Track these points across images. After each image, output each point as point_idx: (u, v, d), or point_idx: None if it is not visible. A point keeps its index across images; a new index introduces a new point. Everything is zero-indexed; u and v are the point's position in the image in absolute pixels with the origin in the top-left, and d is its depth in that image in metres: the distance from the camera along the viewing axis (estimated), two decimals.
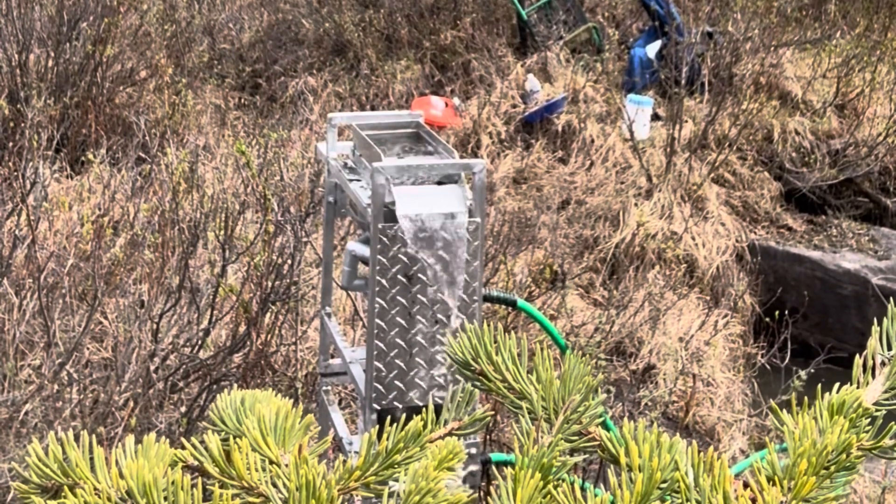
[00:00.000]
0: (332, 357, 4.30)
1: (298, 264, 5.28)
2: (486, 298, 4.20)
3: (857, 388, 1.23)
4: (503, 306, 4.87)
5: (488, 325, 1.38)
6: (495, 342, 1.35)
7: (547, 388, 1.29)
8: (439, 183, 3.45)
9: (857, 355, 1.26)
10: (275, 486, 1.21)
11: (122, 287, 5.44)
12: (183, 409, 4.63)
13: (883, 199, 9.41)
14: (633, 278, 7.65)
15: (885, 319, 1.27)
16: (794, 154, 9.33)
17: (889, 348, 1.26)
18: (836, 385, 1.24)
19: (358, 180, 3.76)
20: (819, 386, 1.29)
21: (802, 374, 4.84)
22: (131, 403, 4.47)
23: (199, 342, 4.78)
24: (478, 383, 1.35)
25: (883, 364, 1.25)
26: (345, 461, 1.24)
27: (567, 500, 1.16)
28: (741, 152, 9.13)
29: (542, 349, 1.33)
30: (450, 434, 1.31)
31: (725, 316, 7.32)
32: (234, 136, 8.65)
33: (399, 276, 3.41)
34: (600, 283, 7.72)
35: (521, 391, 1.30)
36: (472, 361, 1.34)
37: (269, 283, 5.05)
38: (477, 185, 3.45)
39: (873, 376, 1.24)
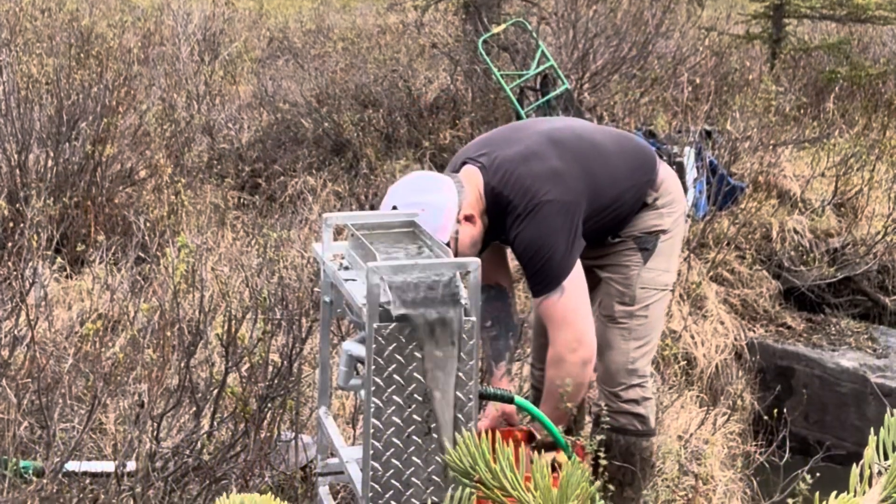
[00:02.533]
0: (331, 456, 4.29)
1: (297, 363, 5.27)
2: (483, 396, 4.19)
3: (854, 496, 1.23)
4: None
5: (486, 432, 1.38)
6: (493, 450, 1.35)
7: (545, 496, 1.29)
8: (435, 282, 3.45)
9: (855, 463, 1.26)
10: None
11: (121, 386, 5.43)
12: None
13: (881, 297, 9.41)
14: None
15: (881, 429, 1.27)
16: (792, 252, 9.36)
17: (885, 458, 1.26)
18: (834, 494, 1.24)
19: (354, 280, 3.76)
20: (817, 494, 1.28)
21: (808, 477, 4.80)
22: (131, 503, 4.45)
23: (202, 445, 4.76)
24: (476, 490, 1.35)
25: (879, 473, 1.24)
26: None
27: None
28: (740, 251, 9.16)
29: (539, 455, 1.33)
30: None
31: (725, 414, 7.29)
32: (233, 235, 8.67)
33: (395, 376, 3.41)
34: None
35: (520, 499, 1.30)
36: (471, 469, 1.34)
37: (268, 382, 5.04)
38: (472, 283, 3.46)
39: (870, 485, 1.24)
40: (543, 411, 4.34)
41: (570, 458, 4.35)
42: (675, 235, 4.93)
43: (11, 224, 7.19)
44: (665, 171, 4.90)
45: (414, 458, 3.47)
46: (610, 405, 4.87)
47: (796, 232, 9.49)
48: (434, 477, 3.50)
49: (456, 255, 4.22)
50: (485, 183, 4.46)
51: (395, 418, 3.44)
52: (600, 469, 4.51)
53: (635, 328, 4.87)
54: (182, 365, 5.14)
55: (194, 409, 5.03)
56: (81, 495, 4.50)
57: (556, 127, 4.94)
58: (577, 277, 4.44)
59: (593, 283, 4.97)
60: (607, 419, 4.73)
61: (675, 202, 4.91)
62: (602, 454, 4.53)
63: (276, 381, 5.04)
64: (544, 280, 4.43)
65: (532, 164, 4.49)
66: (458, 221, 4.30)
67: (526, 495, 1.31)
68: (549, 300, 4.43)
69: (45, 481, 4.38)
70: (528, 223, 4.40)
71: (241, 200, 10.08)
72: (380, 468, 3.46)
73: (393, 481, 3.48)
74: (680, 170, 8.93)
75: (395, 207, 4.15)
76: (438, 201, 4.25)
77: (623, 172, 4.73)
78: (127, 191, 8.60)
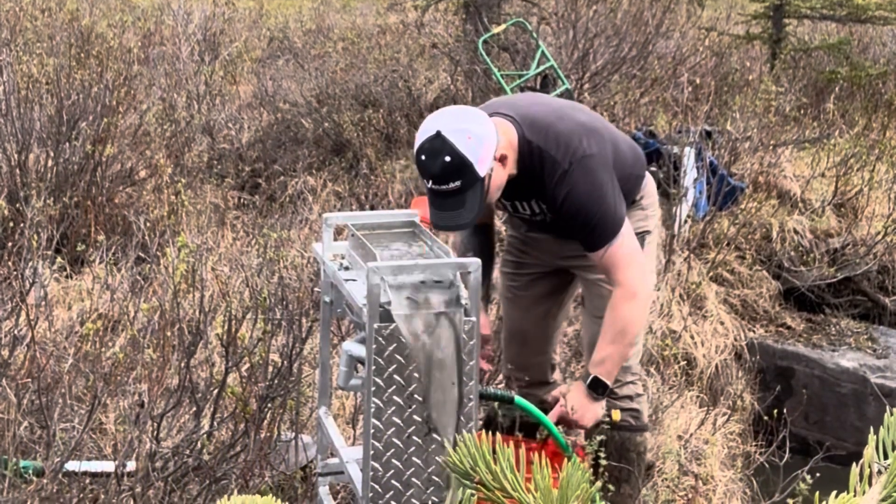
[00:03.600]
0: (331, 456, 4.29)
1: (297, 363, 5.27)
2: (483, 396, 4.20)
3: (854, 496, 1.23)
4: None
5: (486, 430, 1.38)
6: (493, 451, 1.35)
7: (546, 496, 1.29)
8: (435, 282, 3.45)
9: (855, 463, 1.26)
10: None
11: (121, 386, 5.43)
12: None
13: (881, 298, 9.41)
14: None
15: (881, 428, 1.27)
16: (792, 253, 9.35)
17: (885, 457, 1.26)
18: (834, 493, 1.24)
19: (354, 280, 3.76)
20: (817, 494, 1.28)
21: (808, 477, 4.81)
22: (131, 503, 4.45)
23: (202, 445, 4.76)
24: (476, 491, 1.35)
25: (879, 473, 1.25)
26: None
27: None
28: (740, 251, 9.15)
29: (540, 456, 1.33)
30: None
31: (725, 414, 7.29)
32: (234, 235, 8.67)
33: (395, 376, 3.41)
34: None
35: (520, 500, 1.30)
36: (471, 470, 1.34)
37: (268, 382, 5.04)
38: (472, 284, 3.46)
39: (870, 485, 1.24)
40: (610, 353, 4.53)
41: (569, 459, 4.36)
42: (655, 238, 5.05)
43: (11, 224, 7.19)
44: (647, 175, 4.96)
45: (414, 459, 3.48)
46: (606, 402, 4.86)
47: (796, 232, 9.48)
48: (434, 477, 3.50)
49: (487, 194, 4.23)
50: (519, 136, 4.42)
51: (395, 418, 3.44)
52: (600, 469, 4.52)
53: None
54: (182, 365, 5.13)
55: (194, 409, 5.03)
56: (81, 495, 4.50)
57: (569, 102, 5.01)
58: (627, 223, 4.51)
59: (572, 285, 5.14)
60: (606, 416, 4.73)
61: (655, 205, 5.01)
62: (602, 454, 4.55)
63: (276, 381, 5.04)
64: (604, 232, 4.44)
65: (566, 122, 4.49)
66: (494, 159, 4.29)
67: (527, 496, 1.31)
68: (613, 247, 4.45)
69: (45, 481, 4.38)
70: (576, 179, 4.38)
71: (242, 200, 10.08)
72: (380, 468, 3.47)
73: (393, 481, 3.48)
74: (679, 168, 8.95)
75: (438, 133, 4.09)
76: (483, 133, 4.19)
77: (629, 157, 4.75)
78: (127, 191, 8.60)
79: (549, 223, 4.69)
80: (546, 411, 4.53)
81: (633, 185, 4.77)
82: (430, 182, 4.12)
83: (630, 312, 4.49)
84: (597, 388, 4.52)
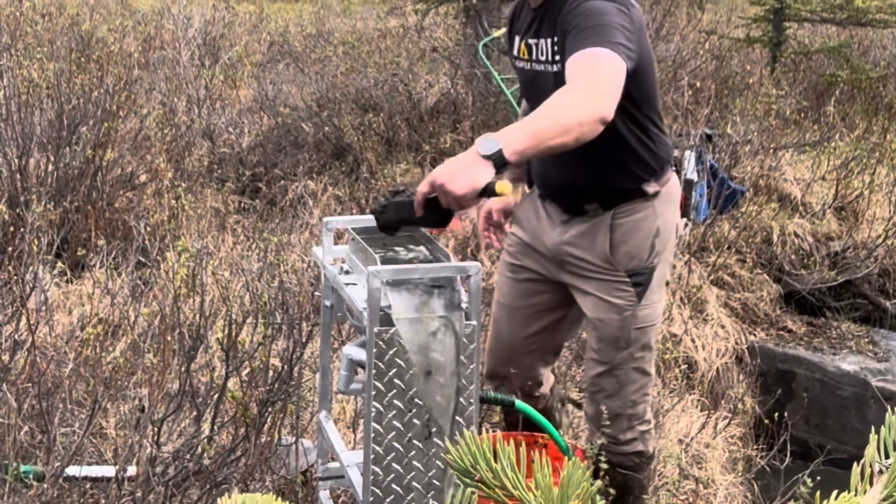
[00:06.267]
0: (332, 460, 4.29)
1: (298, 367, 5.27)
2: (483, 400, 4.19)
3: (855, 495, 1.23)
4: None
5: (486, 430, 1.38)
6: (494, 450, 1.35)
7: (546, 495, 1.29)
8: (435, 286, 3.45)
9: (856, 463, 1.26)
10: None
11: (122, 391, 5.43)
12: None
13: (882, 301, 9.41)
14: None
15: (882, 428, 1.27)
16: (793, 256, 9.35)
17: (887, 456, 1.25)
18: (835, 493, 1.24)
19: (354, 284, 3.76)
20: (818, 494, 1.28)
21: (808, 480, 4.79)
22: None
23: (202, 450, 4.75)
24: (477, 490, 1.35)
25: (880, 472, 1.24)
26: None
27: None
28: (740, 254, 9.15)
29: (541, 455, 1.33)
30: None
31: (725, 418, 7.29)
32: (234, 239, 8.67)
33: (395, 380, 3.41)
34: None
35: (521, 498, 1.30)
36: (472, 469, 1.34)
37: (268, 386, 5.04)
38: (473, 287, 3.45)
39: (871, 484, 1.24)
40: (526, 123, 3.73)
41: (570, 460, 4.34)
42: (665, 259, 4.57)
43: (12, 229, 7.18)
44: (673, 174, 4.61)
45: (415, 463, 3.47)
46: (609, 448, 4.60)
47: (797, 235, 9.49)
48: (435, 481, 3.50)
49: None
50: None
51: (395, 422, 3.44)
52: (601, 473, 4.49)
53: (632, 371, 4.56)
54: (182, 369, 5.13)
55: (195, 413, 5.03)
56: (82, 500, 4.50)
57: None
58: (621, 63, 3.85)
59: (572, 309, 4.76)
60: (605, 462, 4.50)
61: (671, 232, 4.57)
62: (602, 458, 4.52)
63: (276, 386, 5.04)
64: (591, 38, 3.88)
65: None
66: None
67: (527, 495, 1.31)
68: (590, 49, 3.85)
69: (45, 486, 4.38)
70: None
71: (242, 205, 10.08)
72: (380, 472, 3.46)
73: (394, 486, 3.48)
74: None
75: None
76: None
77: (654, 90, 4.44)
78: (127, 195, 8.60)
79: (556, 78, 4.20)
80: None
81: (645, 158, 4.42)
82: None
83: (566, 99, 3.69)
84: (491, 153, 3.49)
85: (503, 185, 3.52)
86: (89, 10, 17.41)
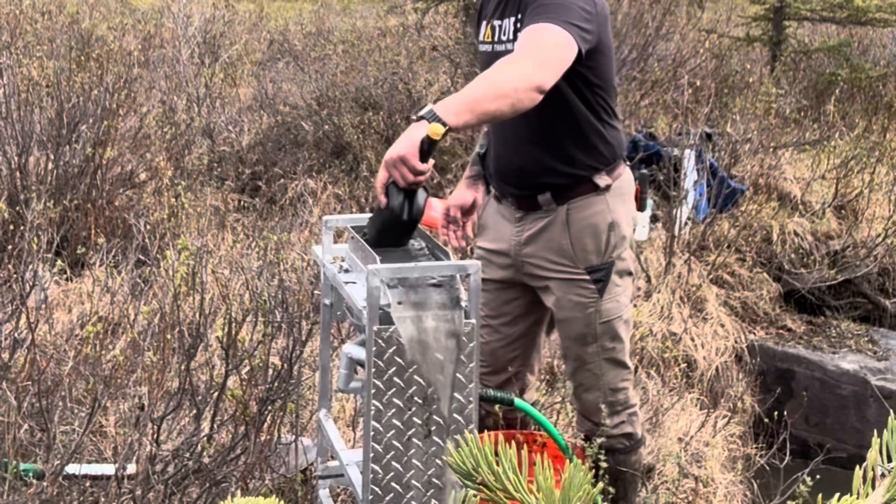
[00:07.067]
0: (331, 459, 4.29)
1: (297, 366, 5.27)
2: (483, 398, 4.19)
3: (857, 498, 1.22)
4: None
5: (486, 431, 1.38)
6: (496, 452, 1.35)
7: (548, 497, 1.29)
8: (435, 285, 3.45)
9: (858, 466, 1.26)
10: None
11: (121, 389, 5.43)
12: None
13: (882, 300, 9.41)
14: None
15: (885, 431, 1.27)
16: (792, 255, 9.35)
17: (889, 460, 1.25)
18: (837, 496, 1.24)
19: (354, 283, 3.76)
20: (819, 496, 1.28)
21: (807, 479, 4.80)
22: None
23: (202, 448, 4.75)
24: (478, 492, 1.35)
25: (882, 476, 1.24)
26: None
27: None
28: (740, 253, 9.15)
29: (542, 457, 1.33)
30: None
31: (725, 417, 7.29)
32: (234, 238, 8.67)
33: (395, 379, 3.40)
34: None
35: (522, 500, 1.30)
36: (473, 471, 1.34)
37: (268, 385, 5.04)
38: (472, 286, 3.45)
39: (873, 488, 1.24)
40: (463, 92, 3.84)
41: (570, 461, 4.34)
42: (627, 257, 4.59)
43: (12, 227, 7.18)
44: (626, 167, 4.63)
45: (414, 461, 3.47)
46: (597, 434, 4.63)
47: (796, 234, 9.48)
48: (434, 480, 3.50)
49: None
50: None
51: (395, 421, 3.44)
52: (601, 472, 4.49)
53: (604, 363, 4.61)
54: (182, 368, 5.13)
55: (194, 411, 5.03)
56: (81, 498, 4.50)
57: None
58: (571, 39, 3.96)
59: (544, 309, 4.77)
60: (596, 448, 4.53)
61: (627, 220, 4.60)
62: (602, 457, 4.52)
63: (276, 384, 5.04)
64: (548, 13, 3.99)
65: None
66: None
67: (529, 497, 1.31)
68: (541, 24, 3.96)
69: (45, 484, 4.38)
70: None
71: (242, 203, 10.07)
72: (380, 471, 3.46)
73: (393, 484, 3.48)
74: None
75: None
76: None
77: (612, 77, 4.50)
78: (127, 193, 8.59)
79: None
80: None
81: (600, 144, 4.45)
82: None
83: (505, 66, 3.85)
84: (424, 114, 3.69)
85: (434, 128, 3.63)
86: (89, 8, 17.41)
